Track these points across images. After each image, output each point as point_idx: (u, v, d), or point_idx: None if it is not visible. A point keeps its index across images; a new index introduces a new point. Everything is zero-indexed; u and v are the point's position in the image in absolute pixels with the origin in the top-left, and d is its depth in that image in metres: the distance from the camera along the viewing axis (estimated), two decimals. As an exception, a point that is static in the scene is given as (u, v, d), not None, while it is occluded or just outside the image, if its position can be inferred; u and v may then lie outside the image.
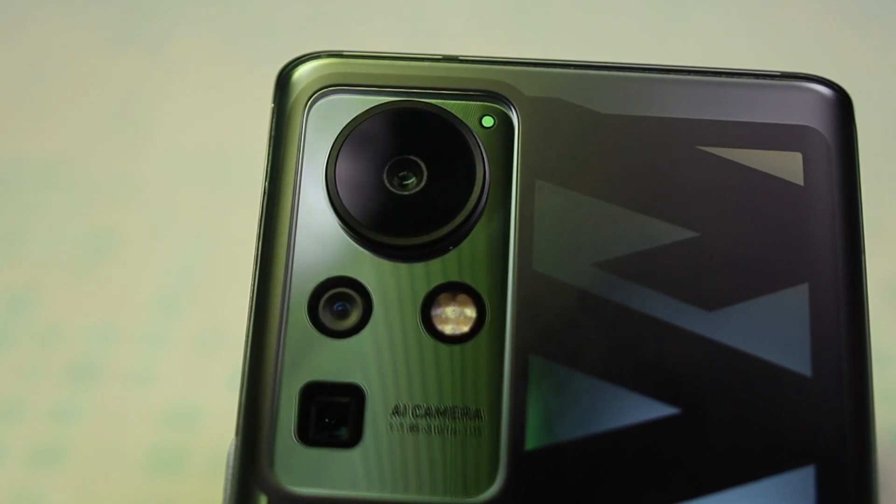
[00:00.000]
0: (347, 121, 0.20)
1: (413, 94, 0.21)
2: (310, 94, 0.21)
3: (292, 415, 0.19)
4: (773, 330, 0.19)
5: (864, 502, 0.18)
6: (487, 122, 0.20)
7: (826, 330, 0.19)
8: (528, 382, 0.19)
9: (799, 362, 0.19)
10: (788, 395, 0.19)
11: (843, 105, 0.20)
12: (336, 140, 0.20)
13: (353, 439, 0.19)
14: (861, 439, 0.18)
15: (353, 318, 0.19)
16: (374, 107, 0.20)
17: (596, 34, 0.46)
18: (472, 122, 0.20)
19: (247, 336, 0.19)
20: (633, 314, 0.19)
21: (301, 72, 0.21)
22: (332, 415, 0.19)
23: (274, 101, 0.21)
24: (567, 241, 0.20)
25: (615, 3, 0.47)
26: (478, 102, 0.21)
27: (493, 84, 0.20)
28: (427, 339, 0.19)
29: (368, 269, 0.20)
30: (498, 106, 0.20)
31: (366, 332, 0.19)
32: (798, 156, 0.20)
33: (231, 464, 0.19)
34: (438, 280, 0.20)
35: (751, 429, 0.18)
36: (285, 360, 0.19)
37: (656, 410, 0.19)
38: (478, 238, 0.20)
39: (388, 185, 0.20)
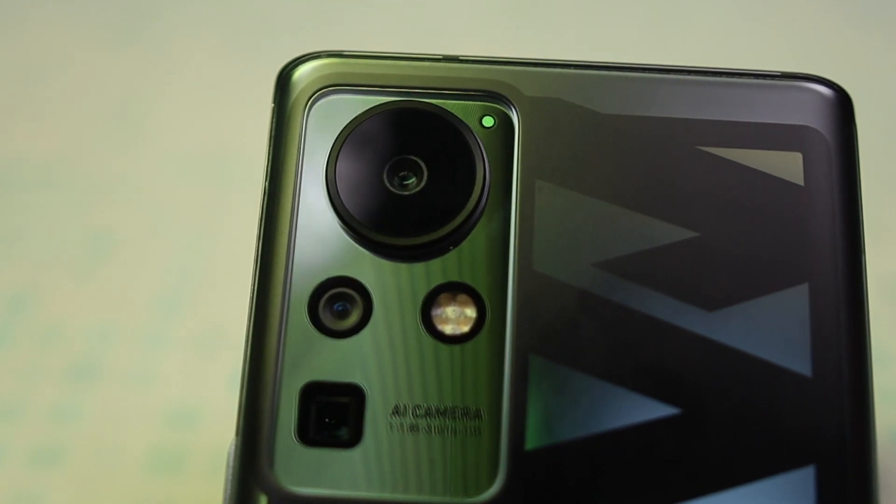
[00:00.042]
0: (347, 121, 0.20)
1: (413, 94, 0.21)
2: (310, 94, 0.21)
3: (292, 415, 0.19)
4: (773, 330, 0.19)
5: (864, 502, 0.18)
6: (487, 122, 0.20)
7: (826, 330, 0.19)
8: (529, 382, 0.19)
9: (799, 362, 0.19)
10: (788, 395, 0.19)
11: (843, 105, 0.20)
12: (336, 140, 0.20)
13: (353, 439, 0.19)
14: (861, 439, 0.18)
15: (354, 318, 0.19)
16: (375, 107, 0.20)
17: (596, 34, 0.46)
18: (472, 122, 0.20)
19: (247, 336, 0.19)
20: (633, 314, 0.19)
21: (301, 72, 0.21)
22: (333, 415, 0.19)
23: (274, 101, 0.21)
24: (567, 241, 0.20)
25: (615, 3, 0.47)
26: (478, 102, 0.21)
27: (494, 84, 0.20)
28: (427, 339, 0.19)
29: (368, 269, 0.20)
30: (498, 106, 0.20)
31: (366, 332, 0.19)
32: (798, 156, 0.20)
33: (231, 464, 0.19)
34: (438, 280, 0.20)
35: (751, 429, 0.18)
36: (285, 360, 0.19)
37: (656, 410, 0.19)
38: (478, 238, 0.20)
39: (388, 185, 0.20)
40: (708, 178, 0.20)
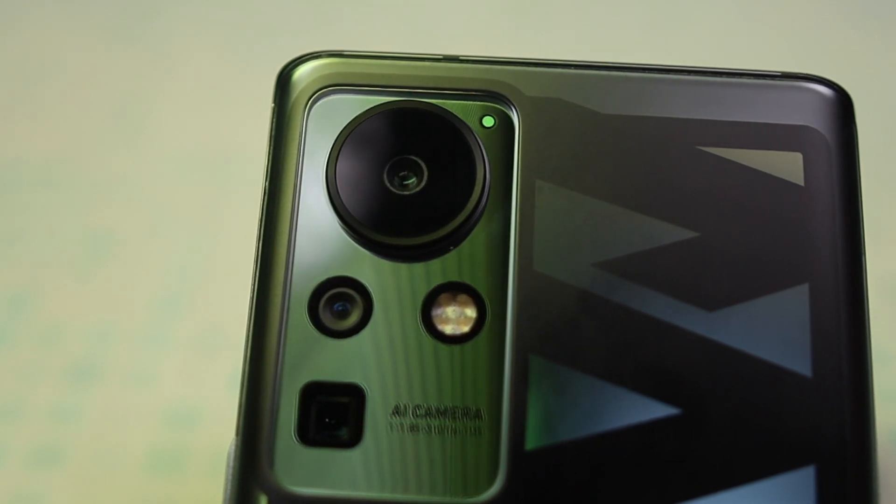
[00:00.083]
0: (347, 121, 0.20)
1: (413, 94, 0.21)
2: (310, 94, 0.21)
3: (292, 415, 0.19)
4: (773, 330, 0.19)
5: (864, 502, 0.18)
6: (488, 122, 0.20)
7: (826, 330, 0.19)
8: (529, 382, 0.19)
9: (799, 362, 0.19)
10: (789, 396, 0.19)
11: (843, 105, 0.20)
12: (336, 140, 0.20)
13: (353, 439, 0.19)
14: (861, 439, 0.18)
15: (354, 318, 0.19)
16: (375, 107, 0.20)
17: (596, 34, 0.46)
18: (472, 122, 0.20)
19: (247, 336, 0.19)
20: (633, 314, 0.19)
21: (301, 72, 0.21)
22: (333, 415, 0.19)
23: (274, 101, 0.21)
24: (567, 241, 0.20)
25: (615, 3, 0.47)
26: (478, 102, 0.21)
27: (494, 84, 0.20)
28: (427, 339, 0.19)
29: (369, 269, 0.20)
30: (498, 106, 0.20)
31: (366, 332, 0.19)
32: (798, 156, 0.20)
33: (231, 464, 0.19)
34: (438, 280, 0.20)
35: (751, 429, 0.18)
36: (285, 360, 0.19)
37: (656, 410, 0.19)
38: (478, 238, 0.20)
39: (388, 185, 0.20)
40: (708, 179, 0.20)
